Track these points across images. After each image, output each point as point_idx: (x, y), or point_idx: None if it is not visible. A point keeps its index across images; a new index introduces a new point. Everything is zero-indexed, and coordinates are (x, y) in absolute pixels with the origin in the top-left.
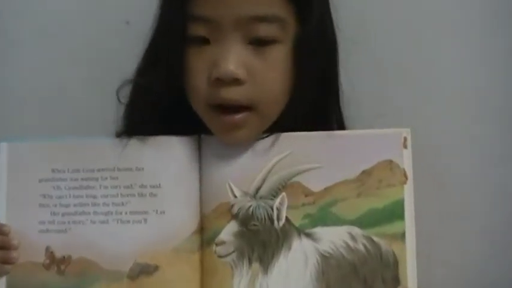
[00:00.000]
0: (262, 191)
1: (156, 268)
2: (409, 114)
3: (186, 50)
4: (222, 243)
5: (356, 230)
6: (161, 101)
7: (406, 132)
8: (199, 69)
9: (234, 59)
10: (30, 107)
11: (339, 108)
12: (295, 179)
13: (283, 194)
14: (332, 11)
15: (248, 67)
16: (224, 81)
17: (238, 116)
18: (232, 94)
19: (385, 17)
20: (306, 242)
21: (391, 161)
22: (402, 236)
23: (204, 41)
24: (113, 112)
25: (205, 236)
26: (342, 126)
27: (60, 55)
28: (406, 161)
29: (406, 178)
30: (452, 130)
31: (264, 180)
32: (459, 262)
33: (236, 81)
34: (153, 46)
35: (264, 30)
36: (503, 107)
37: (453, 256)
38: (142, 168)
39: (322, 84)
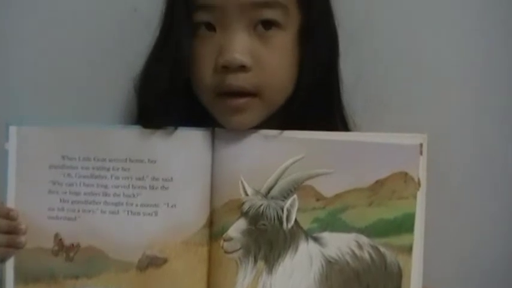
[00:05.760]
0: (274, 191)
1: (165, 261)
2: (412, 101)
3: (193, 39)
4: (230, 239)
5: (363, 239)
6: (170, 91)
7: (422, 138)
8: (205, 57)
9: (240, 46)
10: (38, 95)
11: (340, 97)
12: (308, 182)
13: (295, 196)
14: (332, 3)
15: (253, 54)
16: (230, 68)
17: (242, 100)
18: (238, 81)
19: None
20: (312, 245)
21: (406, 174)
22: (409, 249)
23: (210, 28)
24: (121, 100)
25: (214, 230)
26: (342, 116)
27: (69, 42)
28: (420, 168)
29: (419, 185)
30: (458, 121)
31: (276, 181)
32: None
33: (242, 68)
34: (161, 36)
35: (268, 14)
36: None
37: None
38: (155, 161)
39: (326, 72)
